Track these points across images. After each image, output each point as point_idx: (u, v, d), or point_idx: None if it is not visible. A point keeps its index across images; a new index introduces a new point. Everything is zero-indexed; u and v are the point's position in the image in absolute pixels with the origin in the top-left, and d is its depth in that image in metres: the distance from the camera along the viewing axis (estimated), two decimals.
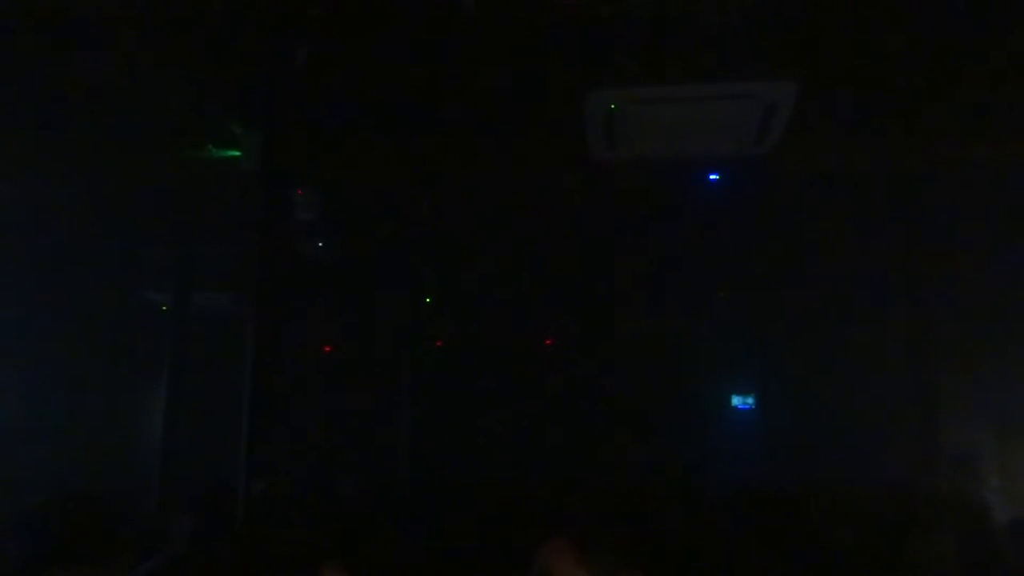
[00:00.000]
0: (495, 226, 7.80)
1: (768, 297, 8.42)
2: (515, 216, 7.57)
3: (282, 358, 5.86)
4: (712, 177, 6.47)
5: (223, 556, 3.90)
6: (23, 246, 6.72)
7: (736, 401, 8.84)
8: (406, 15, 4.69)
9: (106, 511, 4.46)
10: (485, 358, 9.09)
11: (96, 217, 6.86)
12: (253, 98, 5.54)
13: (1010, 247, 7.16)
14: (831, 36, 4.92)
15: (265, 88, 5.41)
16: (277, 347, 5.50)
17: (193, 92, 5.53)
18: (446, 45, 4.99)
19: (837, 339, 7.94)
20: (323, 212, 6.19)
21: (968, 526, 4.55)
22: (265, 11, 4.67)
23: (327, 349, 9.06)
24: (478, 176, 6.74)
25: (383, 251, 7.86)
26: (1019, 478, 6.68)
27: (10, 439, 6.87)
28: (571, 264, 8.43)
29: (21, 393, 7.08)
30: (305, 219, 6.10)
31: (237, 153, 5.89)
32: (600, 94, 5.05)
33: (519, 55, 5.09)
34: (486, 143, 6.12)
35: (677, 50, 4.89)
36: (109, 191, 6.63)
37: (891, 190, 6.72)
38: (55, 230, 6.81)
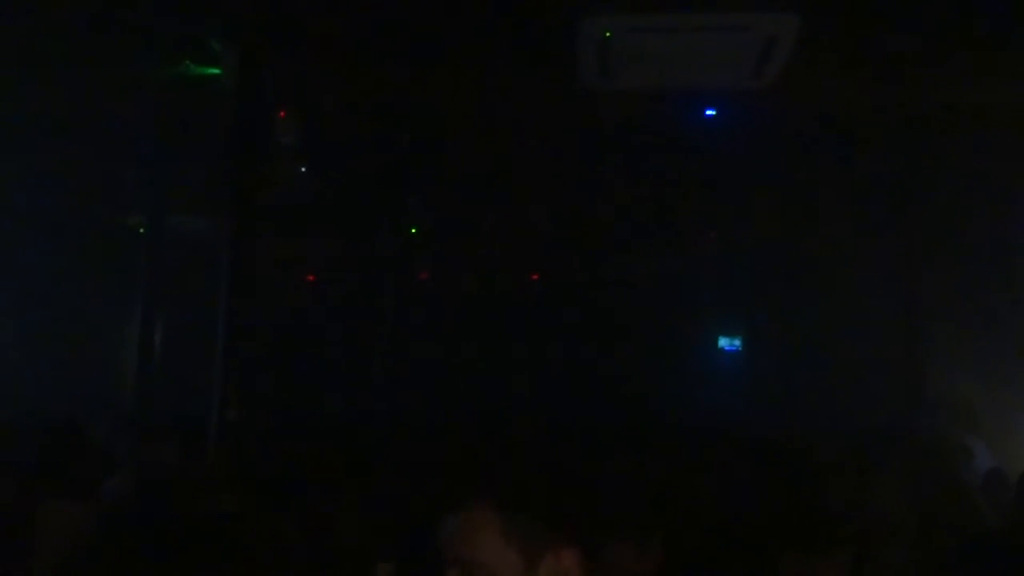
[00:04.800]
0: (484, 155, 7.65)
1: (759, 237, 8.31)
2: (504, 145, 7.41)
3: (259, 284, 5.74)
4: (708, 112, 6.34)
5: (194, 482, 3.86)
6: None
7: (723, 343, 8.75)
8: None
9: (78, 435, 4.41)
10: (469, 291, 9.00)
11: (69, 136, 6.63)
12: (234, 12, 5.32)
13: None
14: None
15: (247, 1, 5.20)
16: (252, 273, 5.39)
17: (171, 4, 5.29)
18: None
19: (828, 281, 7.83)
20: (305, 135, 5.99)
21: (943, 474, 4.52)
22: None
23: (311, 278, 8.92)
24: (467, 101, 6.54)
25: (368, 178, 7.71)
26: (1004, 427, 6.60)
27: None
28: (559, 197, 8.32)
29: None
30: (286, 142, 5.91)
31: (217, 70, 5.66)
32: (594, 20, 4.89)
33: None
34: (475, 67, 5.91)
35: None
36: (82, 109, 6.40)
37: (895, 132, 6.56)
38: (25, 150, 6.58)
